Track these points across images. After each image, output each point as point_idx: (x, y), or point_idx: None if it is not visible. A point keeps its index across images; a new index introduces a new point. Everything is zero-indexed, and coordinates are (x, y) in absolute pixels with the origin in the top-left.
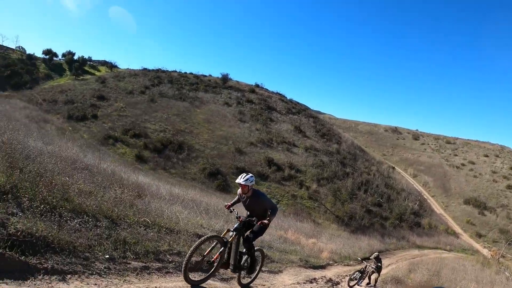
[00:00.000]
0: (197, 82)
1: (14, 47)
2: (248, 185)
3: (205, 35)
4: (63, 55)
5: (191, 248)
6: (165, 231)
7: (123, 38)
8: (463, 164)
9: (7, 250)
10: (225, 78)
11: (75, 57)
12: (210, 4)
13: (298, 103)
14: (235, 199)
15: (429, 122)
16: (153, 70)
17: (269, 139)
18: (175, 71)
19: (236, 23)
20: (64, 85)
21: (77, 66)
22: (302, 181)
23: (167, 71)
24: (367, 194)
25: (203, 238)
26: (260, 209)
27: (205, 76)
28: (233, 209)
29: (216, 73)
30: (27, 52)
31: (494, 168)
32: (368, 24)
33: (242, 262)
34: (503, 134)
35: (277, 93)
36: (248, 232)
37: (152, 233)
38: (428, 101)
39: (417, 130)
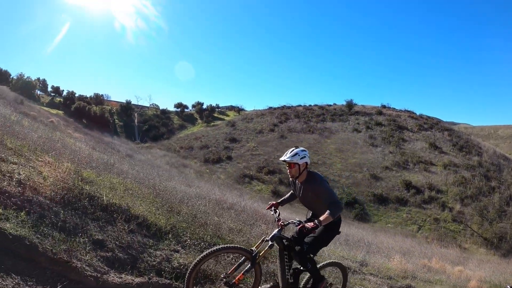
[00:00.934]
0: (323, 113)
1: (148, 105)
2: (298, 163)
3: (324, 64)
4: (193, 106)
5: (195, 261)
6: None
7: (247, 82)
8: None
9: (173, 280)
10: (350, 104)
11: (204, 107)
12: (324, 33)
13: (429, 117)
14: (289, 193)
15: None
16: (278, 107)
17: (404, 160)
18: (300, 105)
19: (352, 46)
20: (197, 133)
21: (207, 114)
22: (444, 202)
23: (292, 106)
24: None
25: (216, 248)
26: (318, 203)
27: (330, 105)
28: (277, 210)
29: (340, 101)
30: (161, 107)
31: None
32: (494, 23)
33: (299, 283)
34: None
35: (406, 111)
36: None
37: None
38: None
39: None
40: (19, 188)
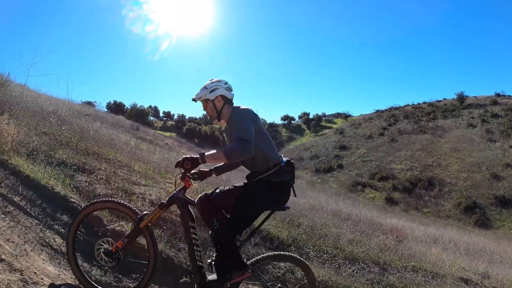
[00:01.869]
0: (433, 110)
1: None
2: (209, 99)
3: (429, 57)
4: (299, 117)
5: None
6: (430, 275)
7: (351, 87)
8: None
9: None
10: (461, 97)
11: (311, 116)
12: (424, 26)
13: None
14: None
15: None
16: (386, 109)
17: None
18: (408, 105)
19: (457, 32)
20: (306, 143)
21: (314, 123)
22: None
23: (400, 106)
24: None
25: (94, 201)
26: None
27: (439, 101)
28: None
29: (450, 95)
30: (268, 121)
31: None
32: None
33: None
34: None
35: None
36: None
37: (419, 277)
38: None
39: None
40: (152, 208)
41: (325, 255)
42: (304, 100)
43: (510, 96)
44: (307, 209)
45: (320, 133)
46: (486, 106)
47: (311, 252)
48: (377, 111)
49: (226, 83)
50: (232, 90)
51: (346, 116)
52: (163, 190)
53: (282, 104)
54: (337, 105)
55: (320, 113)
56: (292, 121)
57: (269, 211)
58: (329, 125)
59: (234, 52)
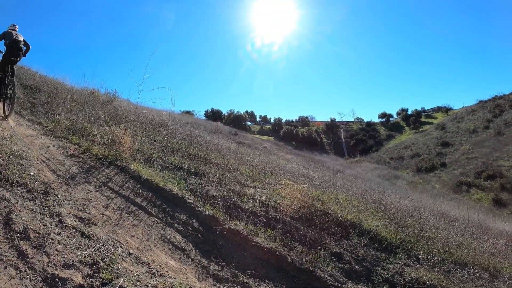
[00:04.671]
0: None
1: (353, 120)
2: None
3: None
4: (398, 114)
5: None
6: None
7: (450, 78)
8: None
9: None
10: None
11: (409, 112)
12: None
13: None
14: None
15: None
16: (489, 99)
17: None
18: None
19: None
20: (406, 141)
21: (413, 120)
22: None
23: (505, 95)
24: None
25: None
26: None
27: None
28: None
29: None
30: (365, 120)
31: None
32: None
33: None
34: None
35: None
36: None
37: None
38: None
39: None
40: (263, 208)
41: (435, 258)
42: (401, 96)
43: None
44: (412, 211)
45: (420, 129)
46: None
47: (421, 255)
48: (480, 101)
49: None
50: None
51: (447, 110)
52: (272, 191)
53: (379, 101)
54: (437, 98)
55: (419, 108)
56: (390, 119)
57: None
58: (429, 120)
59: (324, 53)
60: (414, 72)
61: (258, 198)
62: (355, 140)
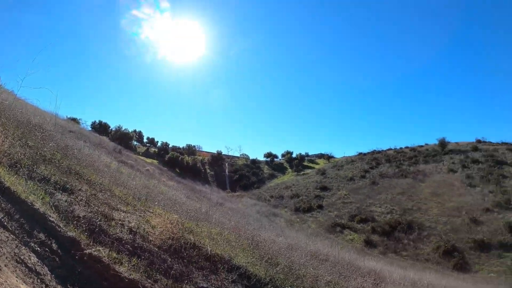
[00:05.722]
0: (415, 155)
1: (239, 155)
2: None
3: (412, 102)
4: (282, 155)
5: None
6: None
7: (335, 129)
8: None
9: None
10: (442, 143)
11: (294, 155)
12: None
13: None
14: None
15: None
16: (368, 152)
17: (506, 200)
18: (390, 149)
19: (441, 81)
20: (287, 182)
21: (297, 163)
22: None
23: (382, 150)
24: None
25: None
26: None
27: (421, 146)
28: None
29: (432, 140)
30: (251, 157)
31: None
32: None
33: None
34: None
35: (504, 143)
36: None
37: None
38: None
39: None
40: (131, 235)
41: None
42: (287, 139)
43: (491, 142)
44: (285, 248)
45: (302, 172)
46: (467, 152)
47: None
48: (360, 153)
49: None
50: None
51: (328, 157)
52: (142, 218)
53: (266, 141)
54: (321, 146)
55: (303, 153)
56: (275, 159)
57: None
58: (311, 165)
59: (222, 82)
60: (301, 118)
61: (127, 224)
62: (239, 175)
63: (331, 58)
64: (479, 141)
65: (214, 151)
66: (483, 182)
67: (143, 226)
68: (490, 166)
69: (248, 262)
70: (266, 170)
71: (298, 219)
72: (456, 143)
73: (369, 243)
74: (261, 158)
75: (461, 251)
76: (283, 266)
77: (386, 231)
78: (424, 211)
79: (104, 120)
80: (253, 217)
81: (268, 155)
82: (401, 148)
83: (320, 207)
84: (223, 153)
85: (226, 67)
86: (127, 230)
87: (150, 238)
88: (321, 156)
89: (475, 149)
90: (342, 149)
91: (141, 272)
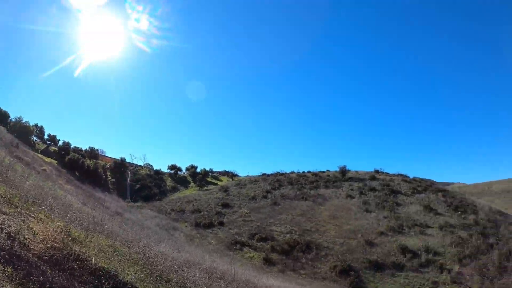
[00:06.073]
0: (317, 180)
1: (142, 164)
2: None
3: (317, 131)
4: (187, 169)
5: None
6: None
7: (241, 148)
8: None
9: None
10: (343, 171)
11: (198, 170)
12: (315, 101)
13: (422, 179)
14: None
15: None
16: (272, 174)
17: (399, 225)
18: (294, 172)
19: (345, 114)
20: (189, 196)
21: (200, 178)
22: (442, 264)
23: (286, 173)
24: None
25: None
26: None
27: (323, 172)
28: None
29: (334, 167)
30: (154, 168)
31: None
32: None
33: None
34: None
35: (399, 174)
36: None
37: None
38: None
39: None
40: (9, 241)
41: None
42: (193, 153)
43: (388, 173)
44: (180, 264)
45: (205, 188)
46: (365, 180)
47: None
48: (263, 174)
49: None
50: None
51: (232, 175)
52: (24, 224)
53: (171, 153)
54: (225, 163)
55: (207, 168)
56: (179, 172)
57: None
58: (214, 181)
59: (135, 86)
60: (207, 134)
61: (7, 228)
62: (141, 185)
63: (242, 81)
64: (377, 171)
65: (118, 157)
66: (379, 208)
67: (24, 232)
68: (386, 194)
69: (136, 278)
70: (169, 182)
71: (198, 235)
72: (356, 171)
73: (268, 261)
74: (165, 169)
75: (357, 270)
76: (174, 283)
77: (285, 250)
78: (322, 233)
79: (4, 108)
80: (152, 229)
81: (172, 167)
82: (303, 172)
83: (221, 223)
84: (126, 161)
85: (141, 69)
86: (5, 235)
87: (30, 246)
88: (225, 173)
89: (373, 178)
90: (247, 169)
91: (15, 284)
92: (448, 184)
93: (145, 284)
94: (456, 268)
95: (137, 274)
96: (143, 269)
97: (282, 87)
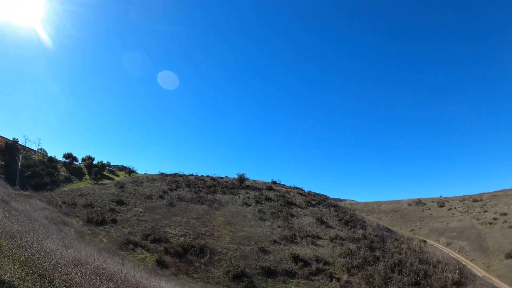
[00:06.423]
0: (215, 185)
1: (36, 149)
2: None
3: (218, 139)
4: (83, 159)
5: None
6: None
7: (140, 145)
8: (495, 219)
9: None
10: (241, 179)
11: (95, 162)
12: (221, 109)
13: (317, 194)
14: None
15: (452, 184)
16: (170, 174)
17: (292, 235)
18: (192, 175)
19: (247, 125)
20: (83, 189)
21: (96, 170)
22: (332, 273)
23: (184, 175)
24: (402, 275)
25: None
26: None
27: (222, 177)
28: None
29: (232, 174)
30: (48, 154)
31: None
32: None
33: None
34: None
35: (295, 187)
36: None
37: None
38: (448, 163)
39: (440, 196)
40: None
41: None
42: (91, 144)
43: (284, 185)
44: (66, 263)
45: (101, 182)
46: (262, 190)
47: None
48: (162, 173)
49: None
50: None
51: (130, 171)
52: None
53: (68, 141)
54: (124, 159)
55: (105, 162)
56: (75, 162)
57: None
58: (111, 176)
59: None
60: (107, 125)
61: None
62: (32, 172)
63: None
64: (274, 183)
65: (11, 137)
66: (273, 217)
67: None
68: (281, 204)
69: (15, 277)
70: (62, 172)
71: (89, 231)
72: (254, 180)
73: (161, 264)
74: (60, 157)
75: (250, 276)
76: (58, 284)
77: (179, 253)
78: (216, 237)
79: None
80: (40, 222)
81: (68, 156)
82: (202, 176)
83: (114, 221)
84: (19, 142)
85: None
86: None
87: None
88: (123, 168)
89: (270, 188)
90: (145, 166)
91: None
92: (341, 200)
93: (25, 284)
94: (345, 277)
95: (16, 272)
96: (24, 267)
97: (186, 87)
